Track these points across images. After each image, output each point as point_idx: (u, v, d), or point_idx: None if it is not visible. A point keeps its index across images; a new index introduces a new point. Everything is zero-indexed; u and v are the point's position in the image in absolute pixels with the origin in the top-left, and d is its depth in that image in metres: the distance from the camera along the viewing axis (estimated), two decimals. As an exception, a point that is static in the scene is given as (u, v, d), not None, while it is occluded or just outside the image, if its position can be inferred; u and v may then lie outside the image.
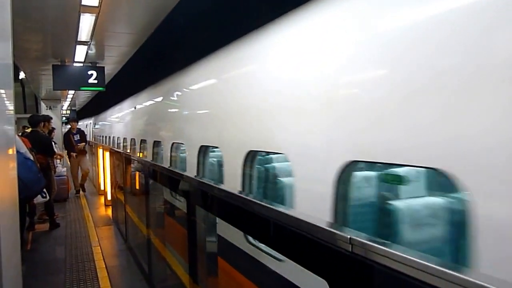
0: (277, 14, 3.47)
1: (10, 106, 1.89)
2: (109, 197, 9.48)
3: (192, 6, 5.43)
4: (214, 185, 2.32)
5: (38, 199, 5.70)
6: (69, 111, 24.36)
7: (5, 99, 1.81)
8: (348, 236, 1.15)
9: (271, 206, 1.62)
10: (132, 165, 5.86)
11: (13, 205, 2.06)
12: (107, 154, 9.22)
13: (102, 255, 6.07)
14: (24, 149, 4.80)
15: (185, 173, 3.08)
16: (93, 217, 8.56)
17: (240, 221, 2.11)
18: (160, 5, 5.18)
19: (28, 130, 8.40)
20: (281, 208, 1.57)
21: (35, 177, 4.61)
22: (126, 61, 8.88)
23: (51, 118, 8.56)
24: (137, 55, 8.01)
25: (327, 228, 1.26)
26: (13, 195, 2.04)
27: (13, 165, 2.09)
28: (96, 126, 19.18)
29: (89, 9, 5.09)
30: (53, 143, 8.19)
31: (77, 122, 12.49)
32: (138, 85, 9.22)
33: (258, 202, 1.73)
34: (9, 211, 1.94)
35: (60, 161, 10.38)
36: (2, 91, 1.76)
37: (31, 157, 4.91)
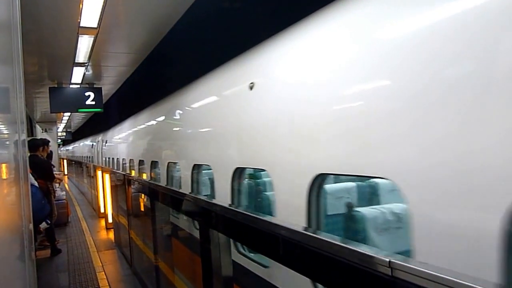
0: (269, 34, 3.43)
1: (23, 130, 1.82)
2: (110, 220, 9.30)
3: (190, 25, 5.39)
4: (241, 210, 2.18)
5: (42, 225, 5.56)
6: (64, 133, 24.19)
7: (19, 123, 1.74)
8: (388, 260, 1.09)
9: (302, 231, 1.54)
10: (140, 189, 5.67)
11: (19, 233, 1.98)
12: (106, 176, 9.06)
13: (107, 280, 5.89)
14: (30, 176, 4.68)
15: (203, 197, 2.92)
16: (95, 241, 8.36)
17: (268, 248, 1.93)
18: (159, 24, 5.13)
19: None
20: (314, 233, 1.49)
21: (39, 204, 4.48)
22: (124, 81, 8.80)
23: (49, 141, 8.39)
24: (136, 73, 7.93)
25: (364, 251, 1.20)
26: (19, 222, 1.96)
27: (19, 192, 2.01)
28: (105, 148, 14.22)
29: (88, 30, 5.02)
30: (52, 167, 8.03)
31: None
32: (140, 103, 8.96)
33: (289, 227, 1.62)
34: (17, 239, 1.87)
35: (59, 185, 10.19)
36: (15, 115, 1.69)
37: (36, 183, 4.78)
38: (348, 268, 1.26)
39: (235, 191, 3.78)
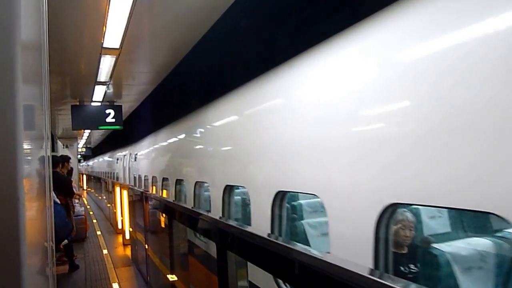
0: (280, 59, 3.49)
1: (47, 147, 1.89)
2: (127, 236, 9.36)
3: (212, 44, 5.48)
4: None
5: (63, 242, 5.64)
6: (84, 148, 24.64)
7: (45, 139, 1.80)
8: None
9: (325, 259, 1.45)
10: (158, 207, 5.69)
11: (42, 249, 2.02)
12: (124, 192, 9.16)
13: (124, 298, 5.90)
14: (52, 193, 4.78)
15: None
16: (112, 257, 8.41)
17: (288, 274, 1.82)
18: (179, 45, 5.23)
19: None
20: (338, 262, 1.39)
21: (63, 222, 4.57)
22: (144, 99, 8.97)
23: (70, 158, 8.56)
24: (156, 91, 8.05)
25: (373, 277, 1.16)
26: (42, 238, 2.00)
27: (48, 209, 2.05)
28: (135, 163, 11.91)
29: (110, 51, 5.15)
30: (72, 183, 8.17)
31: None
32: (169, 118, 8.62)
33: (311, 254, 1.54)
34: (41, 255, 1.91)
35: (78, 200, 10.35)
36: (42, 132, 1.74)
37: (58, 201, 4.88)
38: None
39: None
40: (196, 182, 5.57)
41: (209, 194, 5.44)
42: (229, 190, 4.56)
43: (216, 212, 4.91)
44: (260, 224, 3.64)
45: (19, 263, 0.81)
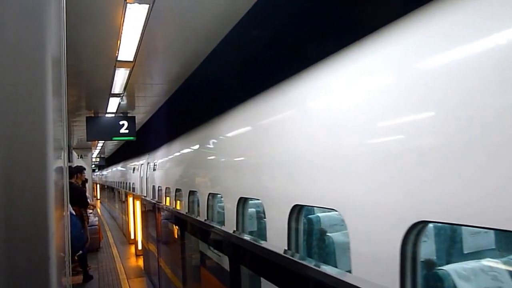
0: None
1: (65, 158, 1.91)
2: (139, 247, 9.39)
3: (224, 55, 5.51)
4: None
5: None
6: (98, 158, 24.93)
7: (64, 150, 1.82)
8: None
9: (342, 279, 1.33)
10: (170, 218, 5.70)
11: (60, 259, 2.04)
12: (137, 203, 9.21)
13: (136, 310, 5.90)
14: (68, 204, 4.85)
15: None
16: (125, 268, 8.44)
17: None
18: (191, 57, 5.29)
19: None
20: (355, 281, 1.28)
21: (79, 232, 4.62)
22: (156, 110, 9.07)
23: (84, 169, 8.67)
24: (168, 102, 8.13)
25: None
26: (60, 249, 2.02)
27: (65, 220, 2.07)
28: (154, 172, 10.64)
29: (124, 64, 5.23)
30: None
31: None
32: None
33: (328, 273, 1.42)
34: (59, 266, 1.93)
35: (92, 211, 10.44)
36: (61, 143, 1.78)
37: (73, 212, 4.94)
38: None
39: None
40: (240, 198, 4.43)
41: (254, 212, 4.83)
42: (298, 212, 3.30)
43: (276, 241, 3.52)
44: (377, 274, 2.27)
45: (47, 273, 0.83)
